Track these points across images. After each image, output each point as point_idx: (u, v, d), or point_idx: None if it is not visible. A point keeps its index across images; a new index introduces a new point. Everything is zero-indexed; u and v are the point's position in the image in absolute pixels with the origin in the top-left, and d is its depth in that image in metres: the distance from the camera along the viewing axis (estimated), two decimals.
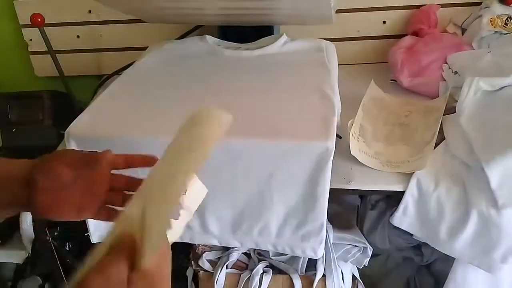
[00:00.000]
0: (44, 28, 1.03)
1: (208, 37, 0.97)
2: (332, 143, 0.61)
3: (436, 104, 0.95)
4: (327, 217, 0.92)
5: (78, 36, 1.25)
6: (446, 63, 1.03)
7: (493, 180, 0.69)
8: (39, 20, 0.99)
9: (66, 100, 1.15)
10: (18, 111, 1.11)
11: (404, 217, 0.79)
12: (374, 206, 1.08)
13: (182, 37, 1.13)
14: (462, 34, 1.14)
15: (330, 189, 0.78)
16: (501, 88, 0.81)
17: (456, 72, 0.98)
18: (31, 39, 1.24)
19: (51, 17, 1.20)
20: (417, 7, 1.15)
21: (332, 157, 0.62)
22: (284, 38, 0.93)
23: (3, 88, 1.35)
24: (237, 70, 0.84)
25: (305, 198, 0.65)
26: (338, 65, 1.24)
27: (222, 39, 1.01)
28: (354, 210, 1.06)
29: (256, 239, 0.74)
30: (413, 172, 0.77)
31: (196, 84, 0.80)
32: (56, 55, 1.20)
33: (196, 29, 1.15)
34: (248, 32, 1.04)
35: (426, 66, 1.04)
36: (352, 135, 0.84)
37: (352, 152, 0.81)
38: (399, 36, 1.18)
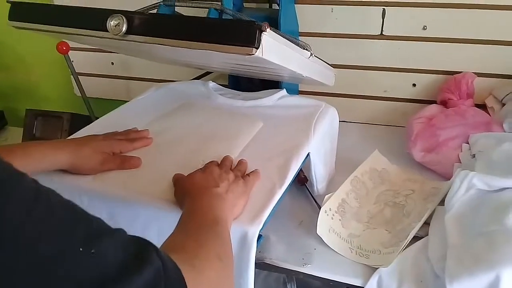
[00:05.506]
0: (85, 52, 1.14)
1: (212, 84, 0.96)
2: (254, 229, 0.56)
3: (442, 188, 0.83)
4: None
5: (112, 63, 1.32)
6: (468, 143, 0.91)
7: None
8: (64, 48, 1.05)
9: (86, 121, 1.21)
10: (42, 128, 1.19)
11: None
12: None
13: (199, 77, 1.14)
14: None
15: (283, 269, 0.73)
16: (501, 189, 0.69)
17: (474, 156, 0.86)
18: (72, 61, 1.33)
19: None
20: (451, 73, 1.04)
21: (255, 243, 0.56)
22: (282, 93, 0.89)
23: (49, 104, 1.47)
24: (218, 116, 0.83)
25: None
26: (362, 123, 1.17)
27: (231, 87, 0.99)
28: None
29: None
30: (378, 267, 0.68)
31: (171, 126, 0.80)
32: (92, 78, 1.30)
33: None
34: (256, 83, 1.02)
35: (443, 142, 0.92)
36: (325, 211, 0.77)
37: (318, 231, 0.74)
38: (429, 102, 1.07)
